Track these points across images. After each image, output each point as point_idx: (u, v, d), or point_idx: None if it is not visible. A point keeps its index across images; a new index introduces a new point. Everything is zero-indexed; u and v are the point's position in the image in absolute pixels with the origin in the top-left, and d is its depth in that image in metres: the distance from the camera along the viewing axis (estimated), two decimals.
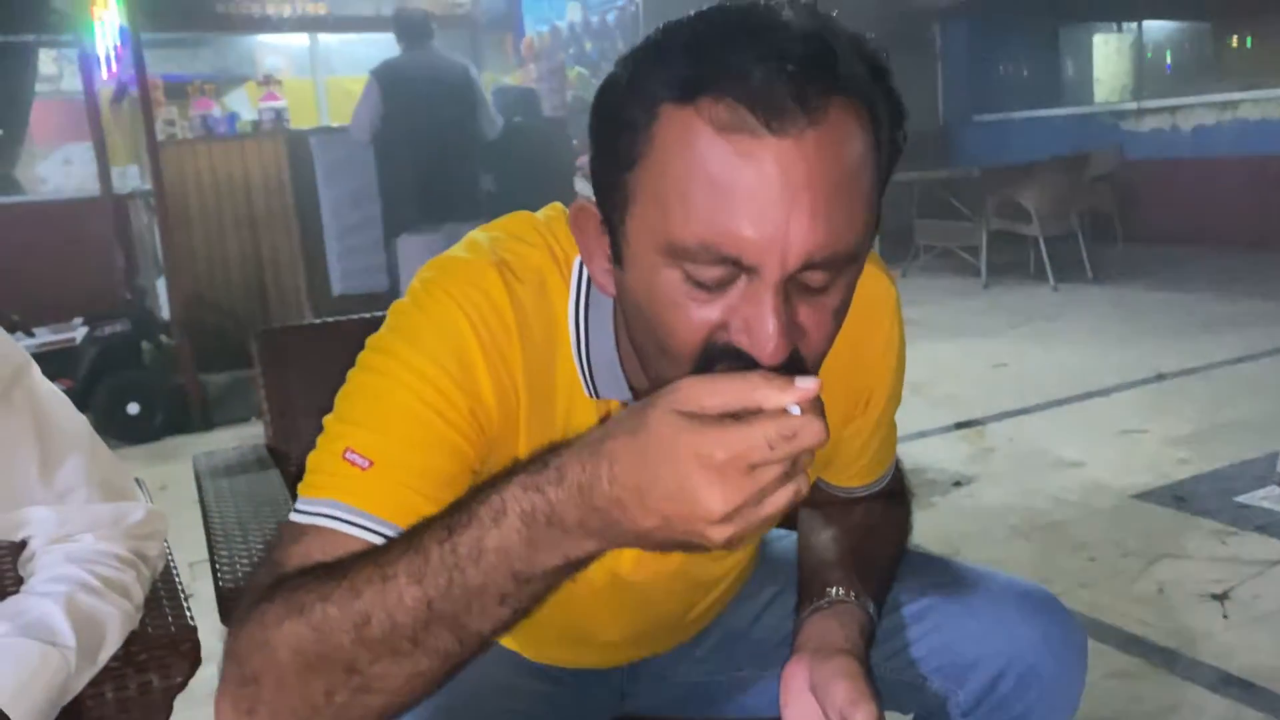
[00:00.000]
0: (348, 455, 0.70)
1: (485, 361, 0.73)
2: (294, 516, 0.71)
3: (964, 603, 0.92)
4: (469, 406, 0.72)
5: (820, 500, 1.00)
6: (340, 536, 0.68)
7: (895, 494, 1.02)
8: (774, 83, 0.58)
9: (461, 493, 0.69)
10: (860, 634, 0.83)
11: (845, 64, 0.61)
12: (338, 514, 0.69)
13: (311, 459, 0.74)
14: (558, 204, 0.82)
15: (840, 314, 0.66)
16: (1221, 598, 2.08)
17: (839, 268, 0.64)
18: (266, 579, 0.68)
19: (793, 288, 0.62)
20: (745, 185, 0.59)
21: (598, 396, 0.78)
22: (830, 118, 0.60)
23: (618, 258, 0.68)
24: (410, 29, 4.58)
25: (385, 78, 4.48)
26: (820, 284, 0.63)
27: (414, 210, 4.42)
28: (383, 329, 0.76)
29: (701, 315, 0.63)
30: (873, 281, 0.84)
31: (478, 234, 0.79)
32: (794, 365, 0.63)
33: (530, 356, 0.75)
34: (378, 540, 0.68)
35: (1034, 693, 0.88)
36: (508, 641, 0.99)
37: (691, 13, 0.64)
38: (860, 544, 0.93)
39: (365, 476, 0.70)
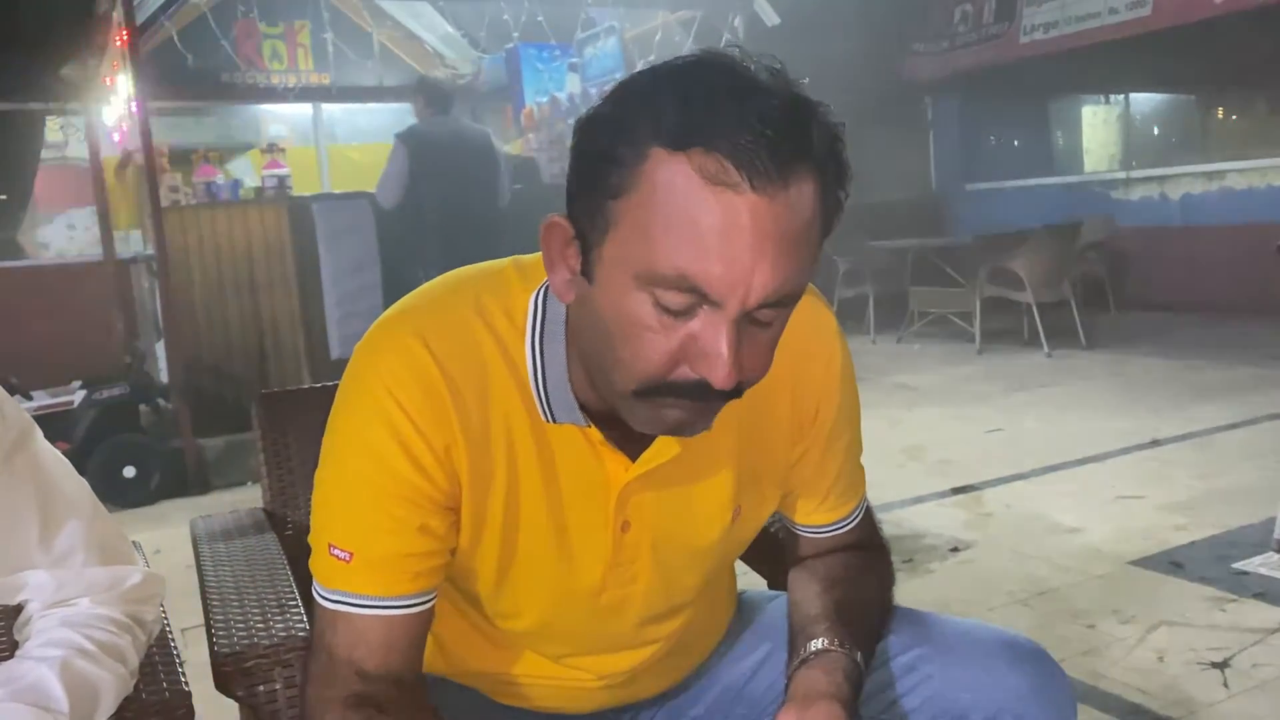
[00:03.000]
0: (332, 550, 0.82)
1: (424, 439, 0.80)
2: (319, 599, 0.83)
3: (953, 653, 0.93)
4: (422, 484, 0.81)
5: (801, 553, 1.04)
6: (358, 618, 0.81)
7: (873, 546, 1.05)
8: (758, 146, 0.67)
9: (448, 545, 0.84)
10: (846, 680, 0.85)
11: (813, 133, 0.70)
12: (348, 600, 0.81)
13: (311, 540, 0.84)
14: (511, 258, 0.89)
15: (774, 346, 0.76)
16: (1221, 666, 2.07)
17: (785, 306, 0.73)
18: (327, 669, 0.81)
19: (744, 322, 0.71)
20: (723, 230, 0.68)
21: (554, 421, 0.83)
22: (797, 180, 0.69)
23: (587, 273, 0.74)
24: (436, 95, 4.75)
25: (412, 142, 4.61)
26: (768, 320, 0.73)
27: (438, 269, 4.49)
28: (334, 413, 0.84)
29: (664, 345, 0.72)
30: (812, 310, 0.92)
31: (405, 299, 0.86)
32: (736, 392, 0.73)
33: (463, 412, 0.81)
34: (388, 614, 0.81)
35: None
36: (506, 698, 1.00)
37: (678, 61, 0.72)
38: (843, 596, 0.95)
39: (351, 568, 0.80)
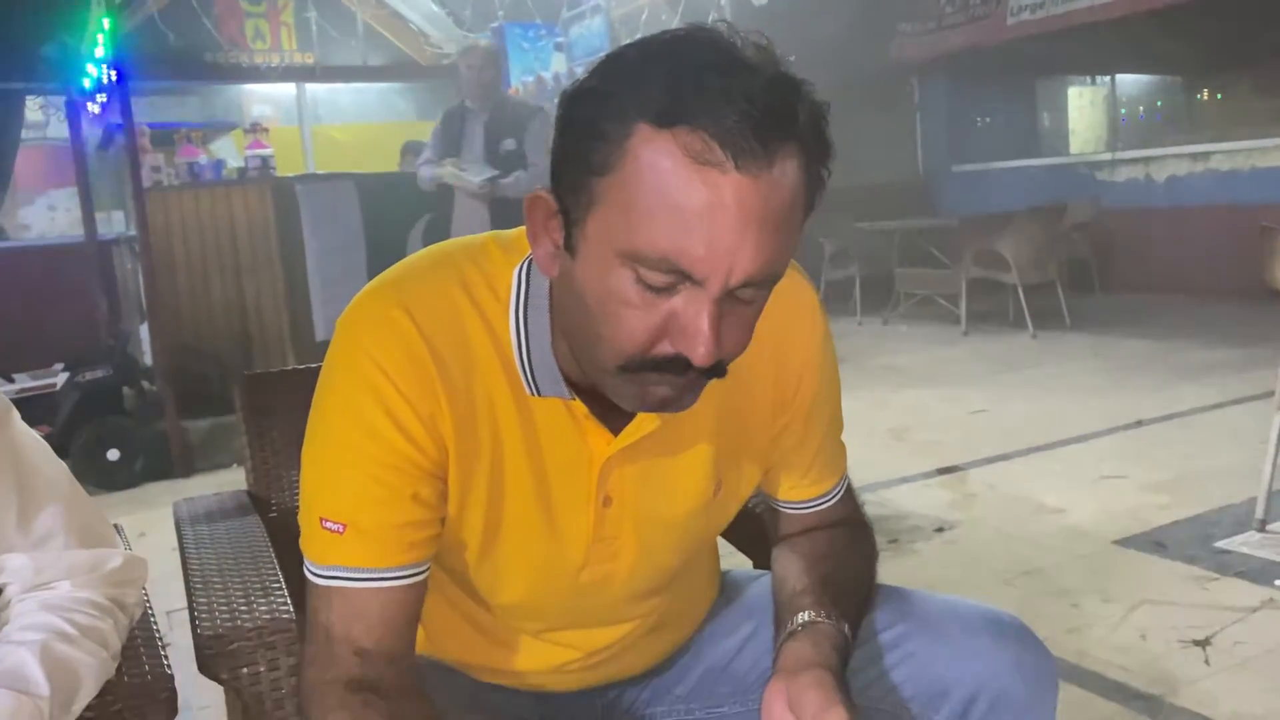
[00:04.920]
0: (324, 524, 0.81)
1: (410, 407, 0.80)
2: (312, 579, 0.83)
3: (937, 630, 0.94)
4: (410, 452, 0.80)
5: (784, 531, 1.04)
6: (354, 592, 0.81)
7: (856, 523, 1.06)
8: (744, 125, 0.66)
9: (439, 514, 0.84)
10: (833, 649, 0.85)
11: (799, 111, 0.70)
12: (341, 574, 0.81)
13: (300, 518, 0.83)
14: (491, 234, 0.88)
15: (754, 323, 0.76)
16: (1203, 644, 2.09)
17: (767, 286, 0.74)
18: (325, 649, 0.81)
19: (726, 300, 0.71)
20: (707, 211, 0.68)
21: (538, 394, 0.84)
22: (781, 159, 0.69)
23: (569, 247, 0.75)
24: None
25: None
26: (749, 298, 0.73)
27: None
28: (319, 388, 0.83)
29: (645, 321, 0.72)
30: (793, 284, 0.92)
31: (388, 272, 0.86)
32: (717, 370, 0.74)
33: (448, 381, 0.81)
34: (384, 585, 0.80)
35: (1007, 718, 0.89)
36: (491, 677, 1.00)
37: (665, 36, 0.71)
38: (828, 572, 0.95)
39: (344, 540, 0.80)
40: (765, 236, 0.69)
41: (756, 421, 0.94)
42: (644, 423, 0.85)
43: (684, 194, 0.67)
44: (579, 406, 0.84)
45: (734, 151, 0.66)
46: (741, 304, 0.73)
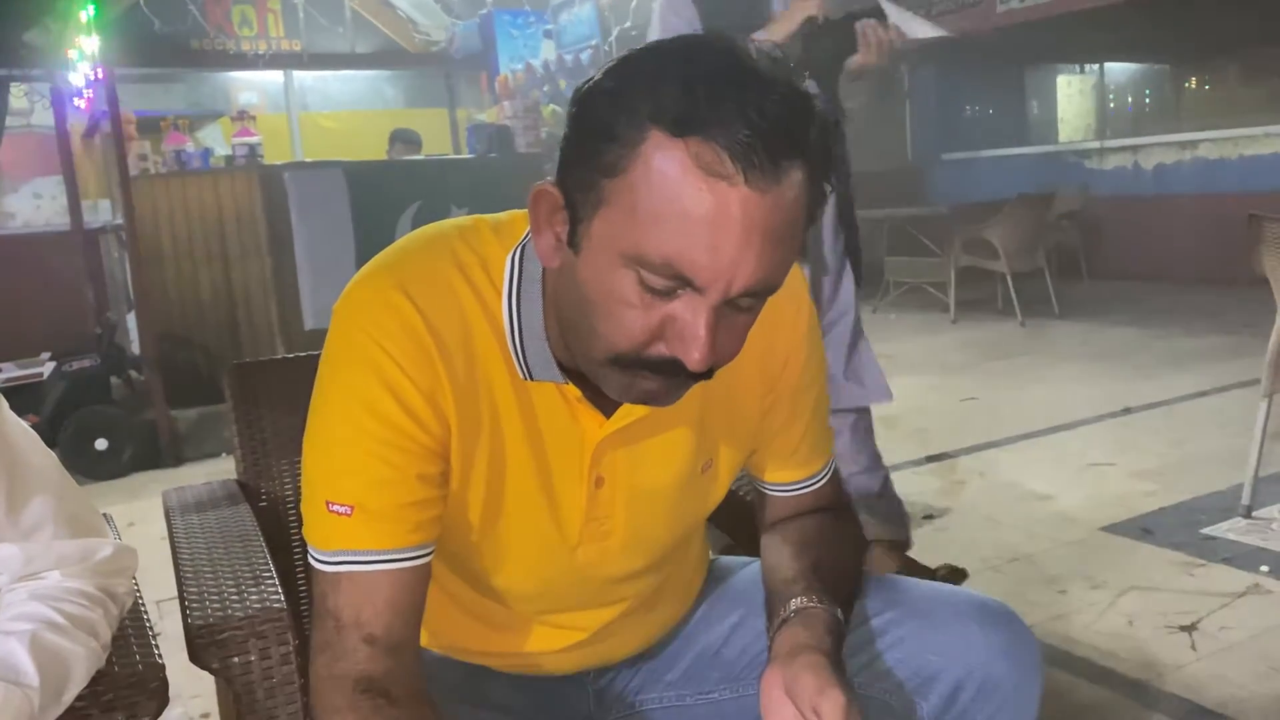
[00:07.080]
0: (331, 507, 0.81)
1: (413, 385, 0.80)
2: (319, 566, 0.82)
3: (926, 616, 0.95)
4: (413, 430, 0.81)
5: (772, 516, 1.05)
6: (363, 576, 0.81)
7: (841, 509, 1.07)
8: (755, 141, 0.67)
9: (443, 493, 0.84)
10: (827, 632, 0.86)
11: (809, 129, 0.71)
12: (350, 558, 0.81)
13: (303, 506, 0.83)
14: (480, 216, 0.89)
15: (748, 329, 0.78)
16: (1190, 629, 2.10)
17: (764, 296, 0.75)
18: (334, 637, 0.81)
19: (723, 308, 0.73)
20: (713, 220, 0.68)
21: (531, 379, 0.84)
22: (788, 176, 0.70)
23: (573, 243, 0.75)
24: None
25: None
26: (746, 306, 0.75)
27: None
28: (320, 371, 0.84)
29: (643, 321, 0.73)
30: None
31: (382, 255, 0.86)
32: (707, 374, 0.76)
33: (448, 361, 0.82)
34: (392, 568, 0.80)
35: (994, 703, 0.91)
36: (482, 660, 1.00)
37: (682, 41, 0.72)
38: (818, 558, 0.96)
39: (352, 522, 0.80)
40: (767, 249, 0.70)
41: (743, 400, 0.95)
42: (635, 406, 0.85)
43: (692, 202, 0.68)
44: (572, 390, 0.85)
45: (744, 165, 0.67)
46: (738, 312, 0.74)
